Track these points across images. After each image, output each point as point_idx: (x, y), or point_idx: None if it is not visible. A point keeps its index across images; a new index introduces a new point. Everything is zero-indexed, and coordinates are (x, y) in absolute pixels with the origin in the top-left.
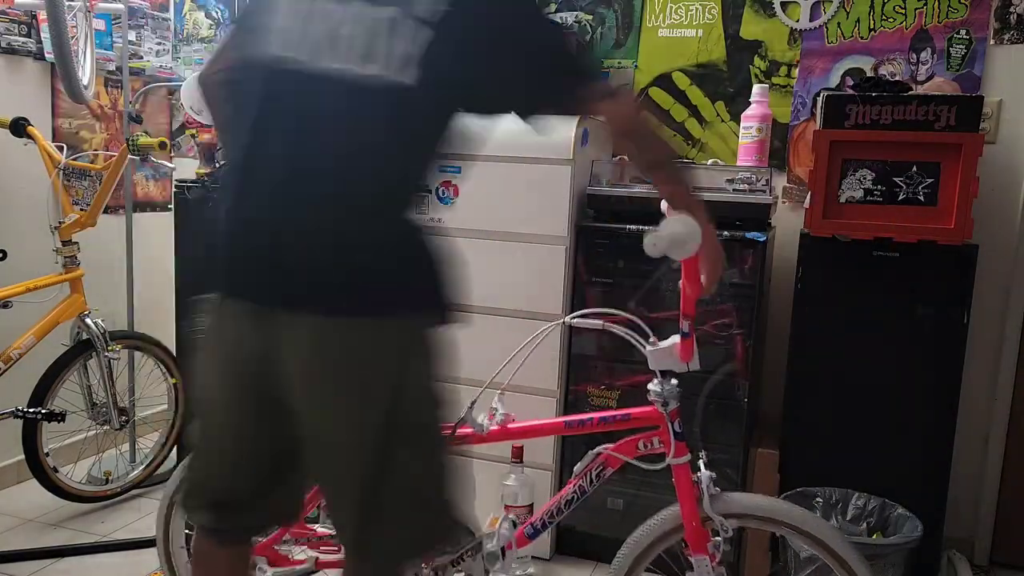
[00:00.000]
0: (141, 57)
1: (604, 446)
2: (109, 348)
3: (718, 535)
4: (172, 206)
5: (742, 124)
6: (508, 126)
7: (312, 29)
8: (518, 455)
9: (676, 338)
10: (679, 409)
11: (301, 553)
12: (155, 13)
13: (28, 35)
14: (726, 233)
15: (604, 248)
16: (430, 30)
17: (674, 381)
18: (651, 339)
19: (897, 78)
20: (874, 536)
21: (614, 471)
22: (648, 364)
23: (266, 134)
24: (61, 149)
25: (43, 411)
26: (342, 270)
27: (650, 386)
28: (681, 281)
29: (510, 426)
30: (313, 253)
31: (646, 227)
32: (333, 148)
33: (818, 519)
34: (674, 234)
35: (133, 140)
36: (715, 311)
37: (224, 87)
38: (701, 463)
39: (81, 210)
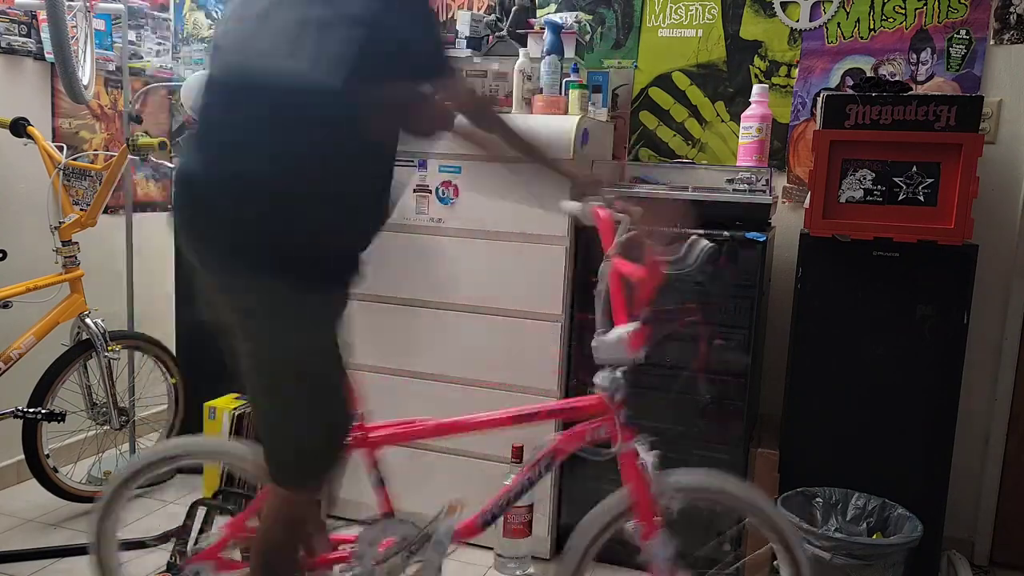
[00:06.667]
0: (141, 57)
1: (553, 435)
2: (109, 348)
3: (661, 514)
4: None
5: (742, 124)
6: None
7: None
8: (517, 455)
9: (622, 330)
10: (625, 399)
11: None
12: (155, 13)
13: (28, 35)
14: (726, 233)
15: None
16: (363, 28)
17: (620, 372)
18: (598, 331)
19: (897, 78)
20: (874, 536)
21: (562, 460)
22: (594, 355)
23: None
24: (61, 149)
25: (43, 411)
26: (231, 241)
27: (596, 378)
28: (637, 280)
29: (455, 420)
30: (215, 227)
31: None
32: (228, 135)
33: (745, 486)
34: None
35: (133, 140)
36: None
37: None
38: (641, 447)
39: (81, 210)
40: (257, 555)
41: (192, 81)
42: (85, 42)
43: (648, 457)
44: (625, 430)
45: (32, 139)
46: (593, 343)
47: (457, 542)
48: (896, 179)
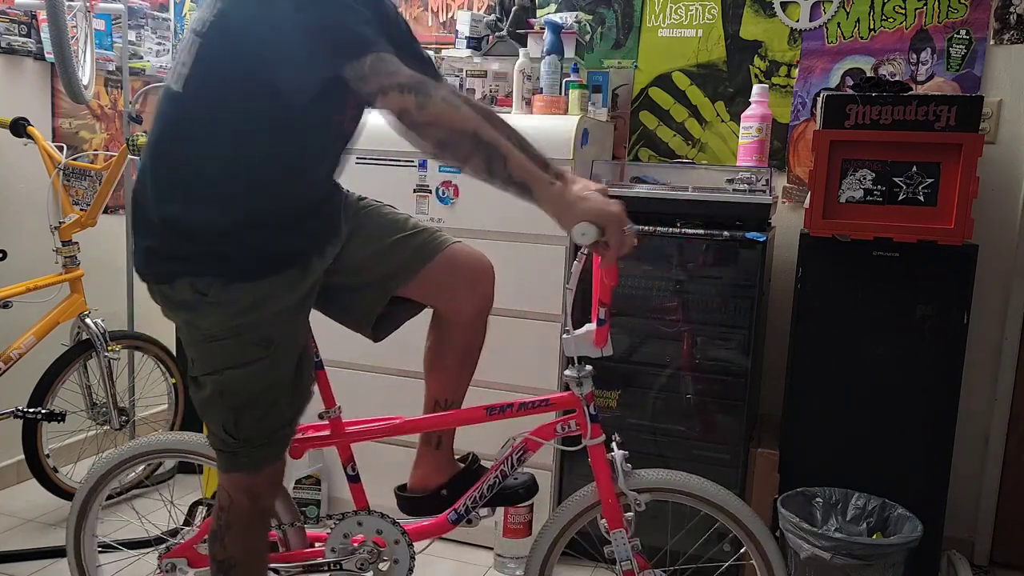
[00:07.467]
0: (141, 57)
1: (524, 431)
2: (109, 348)
3: (631, 510)
4: None
5: (742, 124)
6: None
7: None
8: None
9: (591, 326)
10: (593, 393)
11: None
12: (155, 13)
13: (28, 35)
14: (726, 233)
15: None
16: (199, 39)
17: (588, 367)
18: (566, 327)
19: (897, 78)
20: (874, 536)
21: (533, 453)
22: (564, 350)
23: None
24: (61, 149)
25: (43, 411)
26: (147, 245)
27: (566, 372)
28: (594, 271)
29: (428, 416)
30: (137, 232)
31: (646, 227)
32: (150, 147)
33: (718, 487)
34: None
35: (133, 140)
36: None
37: None
38: (614, 443)
39: (81, 210)
40: (216, 550)
41: None
42: (85, 42)
43: (618, 453)
44: (594, 424)
45: (32, 139)
46: (562, 337)
47: (428, 539)
48: (896, 179)
